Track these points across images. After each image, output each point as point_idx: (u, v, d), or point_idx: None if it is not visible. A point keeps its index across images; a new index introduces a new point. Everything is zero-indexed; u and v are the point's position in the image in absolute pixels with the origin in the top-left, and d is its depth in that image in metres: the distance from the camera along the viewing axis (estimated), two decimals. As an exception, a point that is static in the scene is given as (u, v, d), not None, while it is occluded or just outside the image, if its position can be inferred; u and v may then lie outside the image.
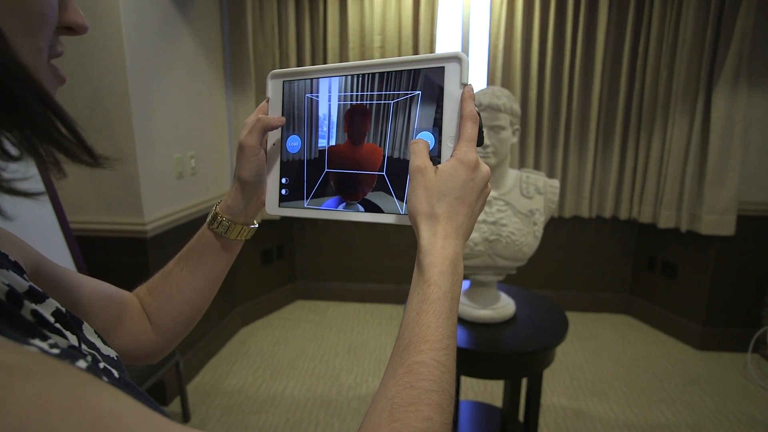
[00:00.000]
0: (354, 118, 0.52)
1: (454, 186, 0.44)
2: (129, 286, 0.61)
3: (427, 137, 0.48)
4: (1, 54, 0.26)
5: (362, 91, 0.51)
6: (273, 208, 0.57)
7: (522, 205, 1.52)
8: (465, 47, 2.93)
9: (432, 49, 2.83)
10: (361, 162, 0.52)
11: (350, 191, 0.53)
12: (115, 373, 0.33)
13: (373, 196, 0.52)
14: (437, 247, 0.43)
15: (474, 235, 1.50)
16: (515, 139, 1.48)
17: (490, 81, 2.85)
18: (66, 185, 1.94)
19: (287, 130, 0.56)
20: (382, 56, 2.84)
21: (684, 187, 2.65)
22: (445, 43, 2.96)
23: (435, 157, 0.48)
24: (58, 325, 0.33)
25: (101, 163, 0.33)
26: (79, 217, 1.97)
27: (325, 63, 2.87)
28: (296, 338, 2.86)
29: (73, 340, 0.34)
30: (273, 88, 0.57)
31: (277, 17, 2.79)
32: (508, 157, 1.52)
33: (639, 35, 2.73)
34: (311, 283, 3.39)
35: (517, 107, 1.45)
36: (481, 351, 1.44)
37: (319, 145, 0.54)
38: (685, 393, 2.31)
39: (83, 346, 0.35)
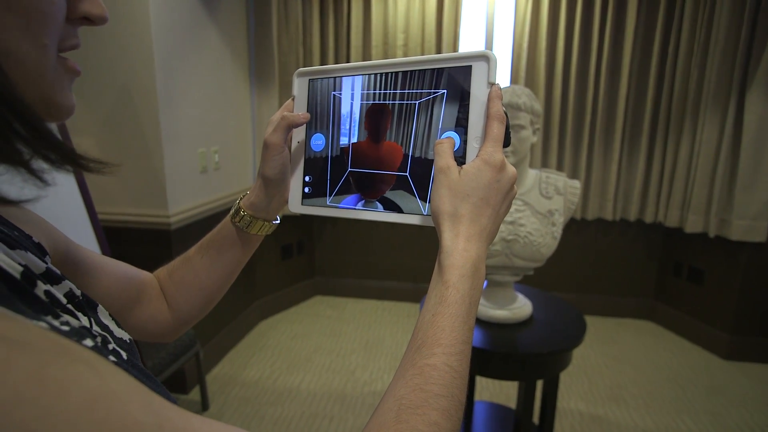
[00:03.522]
0: (376, 116, 0.52)
1: (479, 187, 0.44)
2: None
3: (452, 137, 0.48)
4: None
5: (387, 89, 0.51)
6: (296, 206, 0.58)
7: (541, 206, 1.51)
8: (489, 45, 2.91)
9: (455, 48, 2.81)
10: (382, 161, 0.52)
11: (369, 189, 0.53)
12: (124, 355, 0.33)
13: (393, 195, 0.52)
14: (459, 249, 0.43)
15: (491, 234, 1.49)
16: (535, 139, 1.46)
17: (514, 80, 2.82)
18: (95, 178, 2.00)
19: (312, 128, 0.56)
20: (405, 55, 2.84)
21: (713, 191, 2.57)
22: (469, 41, 2.95)
23: (459, 158, 0.47)
24: (70, 306, 0.34)
25: (93, 169, 0.33)
26: (107, 208, 2.04)
27: (348, 61, 2.89)
28: (314, 333, 2.89)
29: (85, 321, 0.35)
30: (299, 87, 0.56)
31: (301, 15, 2.82)
32: (528, 157, 1.50)
33: (669, 34, 2.66)
34: (330, 279, 3.43)
35: (537, 106, 1.43)
36: (496, 351, 1.43)
37: (342, 143, 0.54)
38: (709, 403, 2.24)
39: (95, 328, 0.36)
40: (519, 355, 1.43)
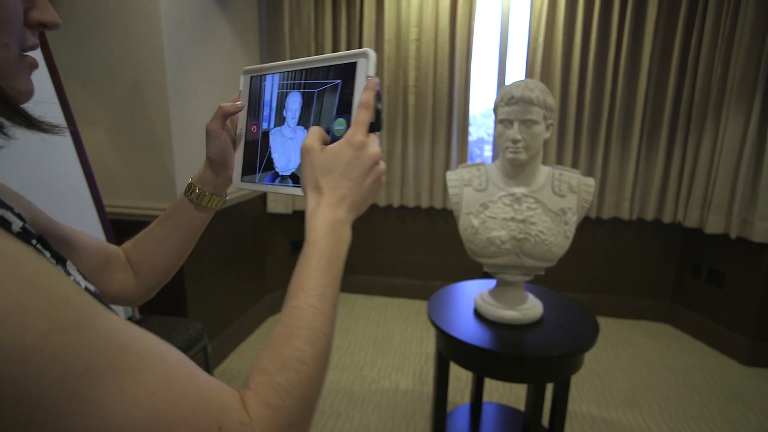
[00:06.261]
0: (287, 105, 0.61)
1: (339, 163, 0.51)
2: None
3: (342, 121, 0.55)
4: None
5: (297, 80, 0.60)
6: (237, 182, 0.67)
7: (553, 204, 1.46)
8: (504, 39, 2.85)
9: (470, 42, 2.78)
10: (293, 142, 0.61)
11: (283, 168, 0.62)
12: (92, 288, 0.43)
13: (299, 171, 0.59)
14: (318, 214, 0.50)
15: (501, 232, 1.45)
16: (548, 134, 1.42)
17: (529, 75, 2.75)
18: (105, 170, 2.02)
19: (250, 117, 0.65)
20: (418, 48, 2.82)
21: (736, 190, 2.48)
22: (484, 35, 2.89)
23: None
24: (39, 246, 0.42)
25: (45, 129, 0.40)
26: (117, 201, 2.05)
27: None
28: (323, 329, 2.88)
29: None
30: (243, 82, 0.65)
31: (314, 8, 2.80)
32: (540, 153, 1.46)
33: (692, 27, 2.56)
34: (340, 275, 3.41)
35: (551, 101, 1.38)
36: (504, 353, 1.39)
37: (263, 128, 0.63)
38: (727, 410, 2.17)
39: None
40: (528, 358, 1.39)
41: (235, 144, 0.67)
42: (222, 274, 2.45)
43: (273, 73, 0.62)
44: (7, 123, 0.37)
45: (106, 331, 0.32)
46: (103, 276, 0.64)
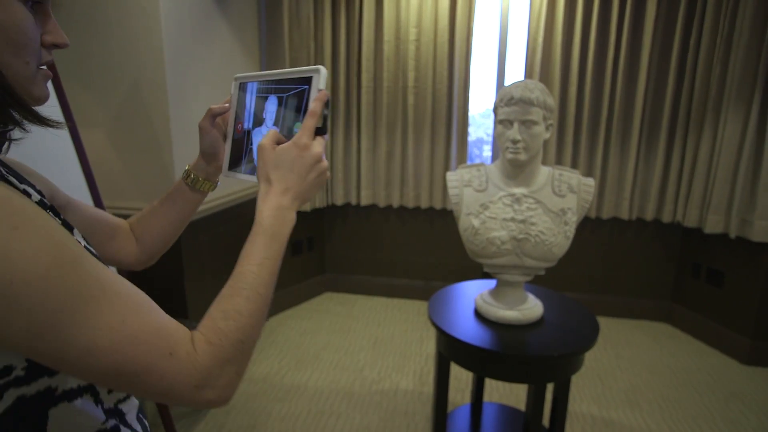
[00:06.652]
0: (266, 108, 0.71)
1: (285, 160, 0.61)
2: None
3: (300, 125, 0.65)
4: None
5: (272, 86, 0.70)
6: (225, 172, 0.77)
7: (553, 204, 1.46)
8: (503, 40, 2.85)
9: (469, 43, 2.79)
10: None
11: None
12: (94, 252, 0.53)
13: None
14: (267, 200, 0.60)
15: (501, 233, 1.45)
16: (548, 135, 1.42)
17: (528, 75, 2.76)
18: (105, 171, 2.02)
19: (237, 117, 0.75)
20: (418, 49, 2.83)
21: (735, 190, 2.48)
22: (483, 36, 2.90)
23: None
24: (50, 214, 0.49)
25: (52, 125, 0.50)
26: (117, 202, 2.05)
27: (359, 56, 2.89)
28: (323, 330, 2.88)
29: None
30: (234, 87, 0.76)
31: (313, 9, 2.80)
32: (540, 154, 1.46)
33: (691, 27, 2.57)
34: (340, 276, 3.41)
35: (551, 101, 1.39)
36: (504, 353, 1.39)
37: (246, 127, 0.73)
38: (728, 409, 2.17)
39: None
40: (529, 358, 1.39)
41: (225, 139, 0.77)
42: (222, 275, 2.44)
43: (254, 81, 0.72)
44: (24, 121, 0.48)
45: (93, 272, 0.43)
46: (110, 244, 0.76)
